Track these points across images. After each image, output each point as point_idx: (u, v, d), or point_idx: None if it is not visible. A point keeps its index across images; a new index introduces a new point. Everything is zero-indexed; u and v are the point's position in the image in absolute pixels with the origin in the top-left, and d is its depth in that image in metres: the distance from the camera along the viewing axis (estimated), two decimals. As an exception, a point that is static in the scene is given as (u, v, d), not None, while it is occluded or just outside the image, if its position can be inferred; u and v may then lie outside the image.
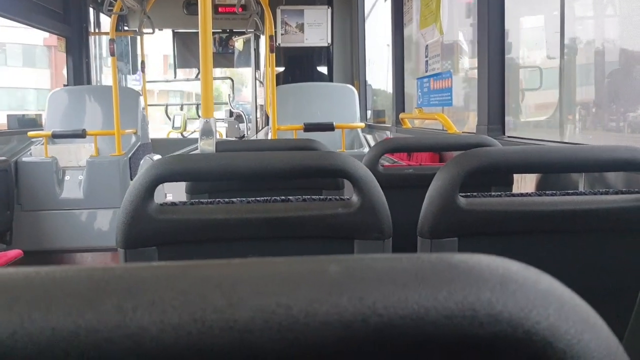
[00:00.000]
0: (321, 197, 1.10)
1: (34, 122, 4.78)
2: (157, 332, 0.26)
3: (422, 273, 0.28)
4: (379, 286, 0.27)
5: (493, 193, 1.10)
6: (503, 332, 0.27)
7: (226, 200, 1.08)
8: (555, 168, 1.18)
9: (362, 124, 4.63)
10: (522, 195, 1.09)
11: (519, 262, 0.30)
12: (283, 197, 1.09)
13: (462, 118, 3.46)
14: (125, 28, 5.99)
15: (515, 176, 1.84)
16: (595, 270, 1.10)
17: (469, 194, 1.08)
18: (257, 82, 5.97)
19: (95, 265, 0.29)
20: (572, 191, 1.10)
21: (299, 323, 0.26)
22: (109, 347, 0.25)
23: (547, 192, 1.09)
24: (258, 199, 1.09)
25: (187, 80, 6.81)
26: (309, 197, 1.09)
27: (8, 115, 4.56)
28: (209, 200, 1.09)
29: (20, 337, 0.25)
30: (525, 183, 1.93)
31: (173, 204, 1.06)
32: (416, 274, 0.28)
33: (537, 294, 0.28)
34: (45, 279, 0.27)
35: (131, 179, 4.05)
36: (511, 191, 1.76)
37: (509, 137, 2.34)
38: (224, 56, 6.41)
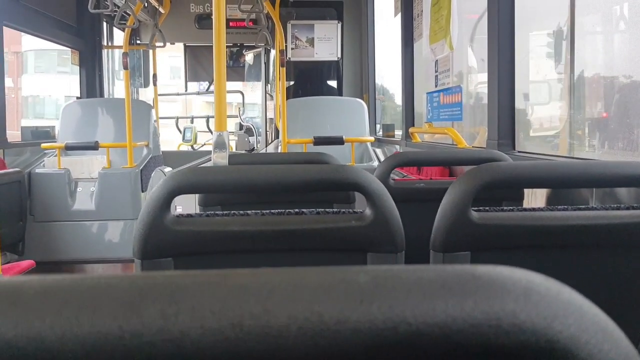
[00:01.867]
0: (335, 210, 1.12)
1: (48, 134, 4.84)
2: (198, 337, 0.27)
3: (448, 283, 0.29)
4: (407, 296, 0.29)
5: (505, 207, 1.11)
6: (527, 341, 0.28)
7: (241, 212, 1.10)
8: (566, 183, 1.19)
9: (372, 138, 4.64)
10: (534, 210, 1.10)
11: (541, 274, 0.32)
12: (297, 210, 1.10)
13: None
14: (138, 42, 6.06)
15: (526, 191, 1.85)
16: (606, 284, 1.10)
17: (480, 208, 1.08)
18: (267, 95, 6.01)
19: (138, 273, 0.30)
20: (583, 206, 1.10)
21: (331, 330, 0.27)
22: (151, 351, 0.27)
23: (559, 207, 1.10)
24: (272, 211, 1.10)
25: (198, 93, 6.86)
26: (322, 210, 1.11)
27: (22, 127, 4.62)
28: (224, 212, 1.10)
29: (68, 340, 0.26)
30: (535, 198, 1.93)
31: (189, 215, 1.08)
32: (443, 285, 0.29)
33: (559, 304, 0.30)
34: (92, 285, 0.29)
35: (142, 191, 4.08)
36: (522, 206, 1.77)
37: (519, 152, 2.35)
38: (235, 70, 6.46)
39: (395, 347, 0.28)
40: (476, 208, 1.07)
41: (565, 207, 1.10)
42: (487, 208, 1.09)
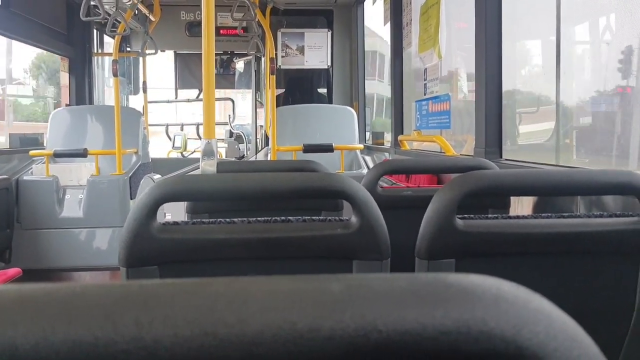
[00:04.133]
0: (321, 217, 1.12)
1: (36, 141, 4.81)
2: (171, 345, 0.27)
3: (419, 292, 0.30)
4: (379, 304, 0.29)
5: (490, 215, 1.12)
6: (496, 348, 0.29)
7: (227, 220, 1.10)
8: (551, 191, 1.20)
9: (361, 146, 4.66)
10: (518, 217, 1.11)
11: (511, 282, 0.32)
12: (283, 218, 1.11)
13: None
14: (128, 49, 6.05)
15: (512, 198, 1.86)
16: (590, 291, 1.11)
17: (466, 215, 1.09)
18: (257, 103, 6.02)
19: (114, 282, 0.30)
20: (567, 214, 1.11)
21: (304, 338, 0.28)
22: (126, 359, 0.27)
23: (543, 214, 1.11)
24: (259, 219, 1.10)
25: (188, 100, 6.86)
26: (309, 217, 1.11)
27: (10, 134, 4.59)
28: (211, 220, 1.10)
29: (42, 348, 0.27)
30: (522, 205, 1.95)
31: (175, 223, 1.08)
32: (414, 293, 0.30)
33: (529, 312, 0.30)
34: (67, 294, 0.29)
35: (131, 198, 4.06)
36: (508, 213, 1.78)
37: (506, 159, 2.37)
38: (225, 77, 6.47)
39: (368, 354, 0.28)
40: (461, 216, 1.08)
41: (549, 214, 1.11)
42: (471, 216, 1.10)
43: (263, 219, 1.10)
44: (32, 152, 4.15)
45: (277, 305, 0.29)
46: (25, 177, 4.02)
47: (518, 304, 0.30)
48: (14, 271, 2.81)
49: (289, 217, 1.11)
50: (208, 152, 1.82)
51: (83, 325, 0.27)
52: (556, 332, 0.30)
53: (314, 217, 1.11)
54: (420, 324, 0.29)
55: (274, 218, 1.10)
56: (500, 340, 0.29)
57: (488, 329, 0.29)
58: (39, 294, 0.29)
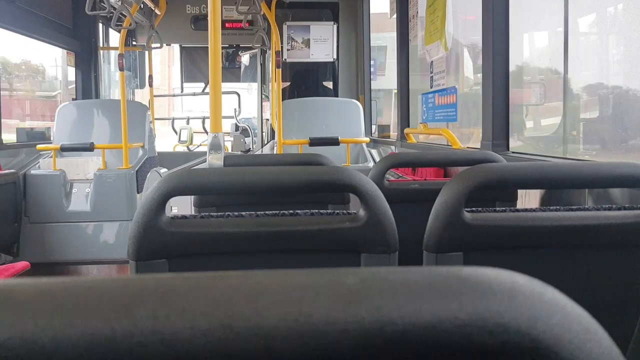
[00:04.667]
0: (329, 211, 1.12)
1: (43, 136, 4.83)
2: (188, 338, 0.27)
3: (434, 285, 0.30)
4: (394, 297, 0.29)
5: (498, 208, 1.11)
6: (511, 341, 0.29)
7: (236, 214, 1.10)
8: (558, 184, 1.20)
9: (367, 139, 4.65)
10: (526, 210, 1.10)
11: (525, 275, 0.32)
12: (292, 211, 1.11)
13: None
14: (134, 43, 6.06)
15: (520, 191, 1.86)
16: (598, 284, 1.11)
17: (473, 209, 1.09)
18: (263, 96, 6.02)
19: (130, 275, 0.31)
20: (575, 207, 1.11)
21: (320, 331, 0.28)
22: (143, 352, 0.27)
23: (551, 207, 1.11)
24: (267, 212, 1.11)
25: (194, 94, 6.86)
26: (317, 211, 1.11)
27: (17, 129, 4.61)
28: (219, 213, 1.11)
29: (60, 342, 0.27)
30: (529, 198, 1.94)
31: (184, 217, 1.09)
32: (429, 286, 0.30)
33: (543, 305, 0.30)
34: (85, 287, 0.29)
35: (138, 192, 4.08)
36: (516, 206, 1.78)
37: (513, 152, 2.36)
38: (231, 71, 6.46)
39: (383, 347, 0.29)
40: (469, 209, 1.08)
41: (558, 207, 1.11)
42: (479, 209, 1.09)
43: (271, 212, 1.11)
44: (39, 147, 4.17)
45: (292, 298, 0.29)
46: (32, 171, 4.04)
47: (532, 297, 0.30)
48: (21, 265, 2.83)
49: (297, 211, 1.11)
50: (215, 146, 1.83)
51: (101, 319, 0.27)
52: (571, 324, 0.30)
53: (321, 211, 1.12)
54: (436, 317, 0.29)
55: (282, 212, 1.10)
56: (516, 333, 0.29)
57: (503, 322, 0.29)
58: (56, 287, 0.29)
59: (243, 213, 1.10)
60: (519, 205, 1.82)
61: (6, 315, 0.27)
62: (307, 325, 0.28)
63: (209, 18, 1.92)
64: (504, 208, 1.11)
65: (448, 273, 0.31)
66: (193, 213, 1.34)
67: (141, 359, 0.27)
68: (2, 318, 0.27)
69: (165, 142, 6.93)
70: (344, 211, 1.12)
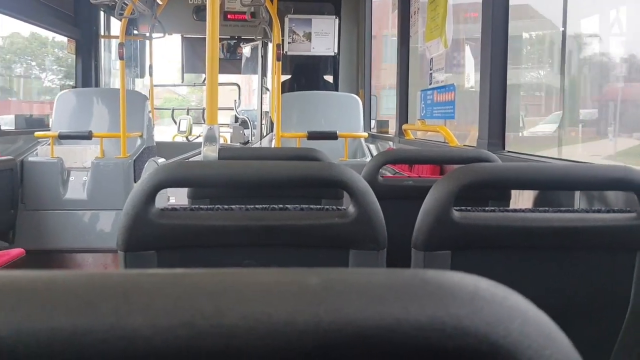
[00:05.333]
0: (318, 206, 1.13)
1: (41, 123, 4.83)
2: (150, 334, 0.28)
3: (396, 287, 0.30)
4: (355, 298, 0.30)
5: (487, 208, 1.12)
6: (470, 345, 0.29)
7: (225, 207, 1.11)
8: (548, 186, 1.20)
9: (365, 134, 4.65)
10: (515, 211, 1.11)
11: (489, 280, 0.33)
12: (281, 206, 1.11)
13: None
14: (135, 32, 6.04)
15: (513, 191, 1.86)
16: (586, 286, 1.12)
17: (463, 208, 1.10)
18: (263, 88, 6.01)
19: (95, 271, 0.31)
20: (564, 209, 1.12)
21: (279, 331, 0.28)
22: (104, 348, 0.28)
23: (540, 208, 1.11)
24: (257, 206, 1.11)
25: (194, 85, 6.85)
26: (306, 206, 1.12)
27: (16, 116, 4.61)
28: (209, 206, 1.11)
29: (22, 336, 0.27)
30: (523, 198, 1.95)
31: (174, 209, 1.09)
32: (391, 288, 0.30)
33: (504, 310, 0.31)
34: (47, 282, 0.29)
35: (135, 182, 4.08)
36: (508, 206, 1.78)
37: (508, 152, 2.36)
38: (232, 62, 6.45)
39: (342, 348, 0.29)
40: (459, 208, 1.08)
41: (547, 209, 1.11)
42: (468, 208, 1.10)
43: (261, 206, 1.11)
44: (37, 134, 4.16)
45: (254, 296, 0.29)
46: (30, 158, 4.03)
47: (494, 302, 0.31)
48: (17, 251, 2.83)
49: (287, 206, 1.11)
50: (210, 138, 1.83)
51: (62, 313, 0.28)
52: (530, 329, 0.30)
53: (311, 206, 1.12)
54: (395, 319, 0.29)
55: (271, 206, 1.11)
56: (474, 338, 0.29)
57: (462, 325, 0.29)
58: (19, 281, 0.29)
59: (233, 206, 1.11)
60: (512, 205, 1.83)
61: None
62: (267, 324, 0.28)
63: (207, 9, 1.91)
64: (493, 208, 1.12)
65: (411, 276, 0.32)
66: (184, 205, 1.35)
67: (102, 354, 0.28)
68: None
69: (165, 130, 6.93)
70: (334, 207, 1.13)
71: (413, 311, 0.29)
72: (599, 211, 1.11)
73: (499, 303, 0.31)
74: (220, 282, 0.30)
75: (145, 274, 0.30)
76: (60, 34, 5.15)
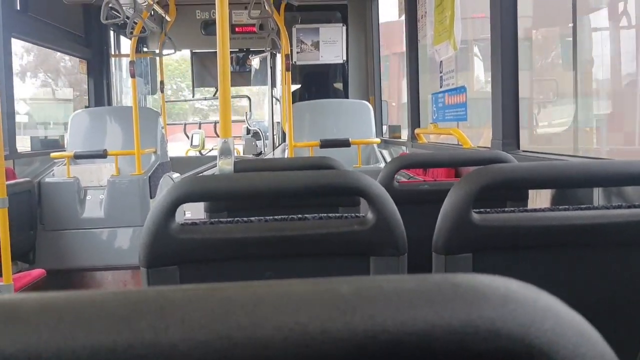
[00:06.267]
0: (337, 215, 1.13)
1: (57, 144, 4.89)
2: (187, 349, 0.28)
3: (428, 292, 0.31)
4: (388, 305, 0.30)
5: (507, 209, 1.11)
6: (504, 347, 0.29)
7: (245, 219, 1.11)
8: (567, 183, 1.19)
9: (378, 140, 4.65)
10: (535, 210, 1.10)
11: (519, 281, 0.33)
12: (300, 216, 1.11)
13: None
14: (145, 49, 6.11)
15: (531, 191, 1.85)
16: (610, 283, 1.10)
17: (482, 210, 1.09)
18: (274, 99, 6.04)
19: (125, 288, 0.31)
20: (584, 206, 1.11)
21: (315, 340, 0.29)
22: None
23: (560, 207, 1.10)
24: (276, 217, 1.11)
25: (205, 99, 6.90)
26: (325, 215, 1.12)
27: (32, 137, 4.67)
28: (228, 219, 1.12)
29: (64, 355, 0.28)
30: (540, 197, 1.93)
31: (194, 223, 1.10)
32: (422, 294, 0.31)
33: (536, 311, 0.31)
34: (86, 301, 0.30)
35: (151, 198, 4.11)
36: (526, 206, 1.77)
37: (524, 151, 2.35)
38: (241, 75, 6.49)
39: (377, 355, 0.29)
40: (478, 210, 1.08)
41: (567, 207, 1.10)
42: (488, 210, 1.09)
43: (280, 217, 1.11)
44: (53, 154, 4.21)
45: (288, 308, 0.30)
46: (47, 179, 4.08)
47: (526, 303, 0.31)
48: (38, 272, 2.86)
49: (306, 215, 1.11)
50: (225, 151, 1.84)
51: (102, 332, 0.28)
52: (564, 329, 0.30)
53: (330, 215, 1.12)
54: (429, 324, 0.29)
55: (290, 216, 1.11)
56: (508, 339, 0.29)
57: (496, 328, 0.29)
58: (59, 301, 0.30)
59: (252, 218, 1.11)
60: (530, 205, 1.81)
61: (10, 329, 0.28)
62: (303, 334, 0.29)
63: (217, 23, 1.93)
64: (512, 208, 1.11)
65: (442, 280, 0.32)
66: (204, 218, 1.36)
67: None
68: (6, 332, 0.28)
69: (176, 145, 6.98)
70: (352, 214, 1.13)
71: (446, 316, 0.29)
72: (619, 207, 1.10)
73: (531, 304, 0.31)
74: (253, 295, 0.30)
75: (180, 289, 0.31)
76: (73, 55, 5.22)
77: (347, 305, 0.30)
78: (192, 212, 4.26)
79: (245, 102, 6.69)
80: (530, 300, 0.31)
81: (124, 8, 3.81)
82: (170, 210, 1.04)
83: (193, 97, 6.96)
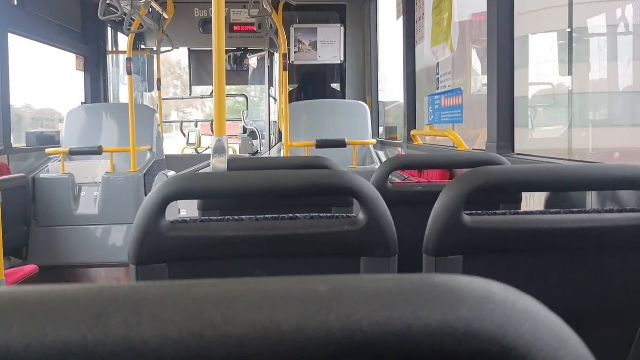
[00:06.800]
0: (328, 215, 1.12)
1: (52, 140, 4.87)
2: (159, 346, 0.28)
3: (405, 293, 0.30)
4: (364, 305, 0.29)
5: (498, 211, 1.11)
6: (481, 349, 0.29)
7: (235, 218, 1.11)
8: (560, 187, 1.19)
9: (374, 141, 4.65)
10: (526, 213, 1.10)
11: (499, 283, 0.32)
12: (291, 215, 1.11)
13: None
14: (142, 47, 6.09)
15: (525, 194, 1.85)
16: (600, 287, 1.10)
17: (474, 212, 1.09)
18: (271, 98, 6.03)
19: (106, 284, 0.31)
20: (576, 209, 1.11)
21: (289, 339, 0.28)
22: None
23: (552, 210, 1.10)
24: (267, 216, 1.11)
25: (202, 97, 6.89)
26: (316, 215, 1.12)
27: (27, 133, 4.65)
28: (219, 217, 1.11)
29: (34, 350, 0.27)
30: (534, 200, 1.93)
31: (184, 221, 1.09)
32: (400, 294, 0.30)
33: (514, 312, 0.30)
34: (58, 297, 0.29)
35: (145, 195, 4.10)
36: (519, 209, 1.77)
37: (518, 154, 2.35)
38: (239, 74, 6.49)
39: (353, 355, 0.29)
40: (469, 212, 1.08)
41: (558, 210, 1.10)
42: (479, 212, 1.09)
43: (271, 216, 1.11)
44: (48, 150, 4.20)
45: (262, 306, 0.29)
46: (41, 175, 4.07)
47: (504, 305, 0.30)
48: (30, 268, 2.85)
49: (297, 215, 1.11)
50: (219, 150, 1.83)
51: (73, 327, 0.28)
52: (542, 332, 0.30)
53: (321, 215, 1.12)
54: (405, 325, 0.29)
55: (281, 215, 1.11)
56: (486, 341, 0.29)
57: (473, 330, 0.29)
58: (31, 296, 0.29)
59: (243, 217, 1.11)
60: (524, 208, 1.81)
61: None
62: (277, 333, 0.28)
63: (213, 21, 1.92)
64: (503, 211, 1.11)
65: (420, 280, 0.31)
66: (195, 217, 1.35)
67: None
68: None
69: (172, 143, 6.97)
70: (344, 215, 1.12)
71: (423, 316, 0.29)
72: (611, 211, 1.10)
73: (509, 306, 0.31)
74: (228, 292, 0.30)
75: (154, 285, 0.31)
76: (70, 51, 5.21)
77: (322, 304, 0.29)
78: (188, 210, 4.26)
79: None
80: (509, 302, 0.31)
81: (123, 4, 3.80)
82: (161, 207, 1.03)
83: (190, 95, 6.94)
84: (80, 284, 0.32)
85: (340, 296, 0.30)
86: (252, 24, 4.67)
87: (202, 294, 0.30)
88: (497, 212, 1.11)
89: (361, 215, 1.08)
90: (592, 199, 1.68)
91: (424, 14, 3.83)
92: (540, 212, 1.10)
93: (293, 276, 0.32)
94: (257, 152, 5.86)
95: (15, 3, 4.11)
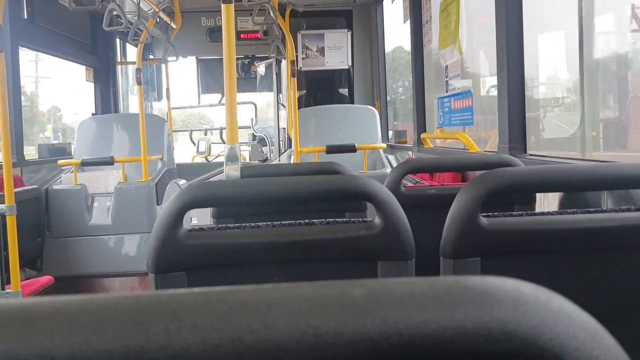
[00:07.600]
0: (344, 219, 1.13)
1: (64, 151, 4.91)
2: (199, 352, 0.28)
3: (439, 295, 0.31)
4: (400, 308, 0.30)
5: (514, 213, 1.11)
6: (517, 349, 0.29)
7: (252, 224, 1.11)
8: (575, 187, 1.19)
9: (384, 145, 4.65)
10: (543, 214, 1.10)
11: (531, 283, 0.33)
12: (307, 221, 1.11)
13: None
14: (151, 57, 6.14)
15: (538, 194, 1.84)
16: (619, 286, 1.10)
17: (490, 213, 1.09)
18: (279, 105, 6.05)
19: (142, 292, 0.32)
20: (593, 209, 1.10)
21: (327, 343, 0.29)
22: None
23: (568, 210, 1.10)
24: (283, 222, 1.11)
25: (211, 105, 6.92)
26: (332, 220, 1.12)
27: (39, 145, 4.69)
28: (236, 225, 1.12)
29: (76, 359, 0.28)
30: (548, 201, 1.93)
31: (201, 229, 1.10)
32: (434, 296, 0.30)
33: (548, 312, 0.30)
34: (99, 305, 0.30)
35: (158, 204, 4.12)
36: (534, 209, 1.76)
37: (530, 155, 2.34)
38: (247, 81, 6.52)
39: (389, 357, 0.29)
40: (485, 214, 1.08)
41: (575, 210, 1.10)
42: (496, 214, 1.09)
43: (287, 222, 1.11)
44: (60, 162, 4.23)
45: (300, 310, 0.29)
46: (54, 187, 4.10)
47: (538, 305, 0.31)
48: (45, 279, 2.87)
49: (313, 220, 1.11)
50: (232, 157, 1.84)
51: (115, 335, 0.28)
52: (576, 331, 0.30)
53: (337, 219, 1.12)
54: (441, 326, 0.29)
55: (298, 221, 1.11)
56: (521, 341, 0.29)
57: (508, 330, 0.29)
58: (72, 305, 0.30)
59: (259, 224, 1.11)
60: (538, 208, 1.81)
61: (23, 332, 0.28)
62: (315, 337, 0.29)
63: (223, 29, 1.93)
64: (520, 212, 1.11)
65: (453, 283, 0.32)
66: (211, 224, 1.36)
67: None
68: (20, 335, 0.28)
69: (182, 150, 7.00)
70: (360, 219, 1.13)
71: (458, 318, 0.29)
72: (628, 210, 1.09)
73: (543, 306, 0.31)
74: (265, 298, 0.30)
75: (192, 292, 0.31)
76: (79, 63, 5.25)
77: (359, 308, 0.30)
78: (199, 218, 4.28)
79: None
80: (542, 302, 0.31)
81: (130, 15, 3.83)
82: (178, 216, 1.04)
83: (199, 103, 6.98)
84: (117, 292, 0.32)
85: (375, 300, 0.30)
86: (259, 31, 4.69)
87: (239, 299, 0.30)
88: (514, 213, 1.10)
89: (377, 220, 1.08)
90: (606, 198, 1.67)
91: (430, 17, 3.84)
92: (557, 213, 1.09)
93: (328, 280, 0.32)
94: (266, 159, 5.88)
95: (25, 16, 4.15)
